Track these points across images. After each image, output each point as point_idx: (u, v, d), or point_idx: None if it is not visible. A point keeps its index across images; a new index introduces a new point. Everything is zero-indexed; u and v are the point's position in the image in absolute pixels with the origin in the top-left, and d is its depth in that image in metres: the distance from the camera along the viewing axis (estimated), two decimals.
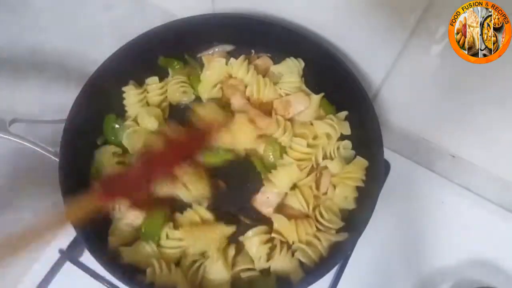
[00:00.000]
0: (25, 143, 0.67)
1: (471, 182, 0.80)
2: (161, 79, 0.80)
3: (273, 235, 0.68)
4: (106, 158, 0.72)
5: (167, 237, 0.67)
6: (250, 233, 0.68)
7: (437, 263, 0.75)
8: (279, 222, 0.68)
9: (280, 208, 0.71)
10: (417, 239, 0.77)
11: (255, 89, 0.76)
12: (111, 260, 0.64)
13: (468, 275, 0.74)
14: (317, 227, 0.69)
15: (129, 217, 0.68)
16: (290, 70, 0.78)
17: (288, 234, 0.68)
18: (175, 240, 0.67)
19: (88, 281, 0.67)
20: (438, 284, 0.74)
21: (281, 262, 0.66)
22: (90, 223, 0.65)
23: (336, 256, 0.66)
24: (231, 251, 0.67)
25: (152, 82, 0.79)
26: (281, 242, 0.68)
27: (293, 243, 0.68)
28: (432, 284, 0.74)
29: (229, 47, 0.82)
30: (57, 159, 0.67)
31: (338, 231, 0.69)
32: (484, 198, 0.80)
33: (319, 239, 0.67)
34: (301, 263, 0.67)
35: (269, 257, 0.67)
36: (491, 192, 0.79)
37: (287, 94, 0.77)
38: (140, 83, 0.79)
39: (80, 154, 0.71)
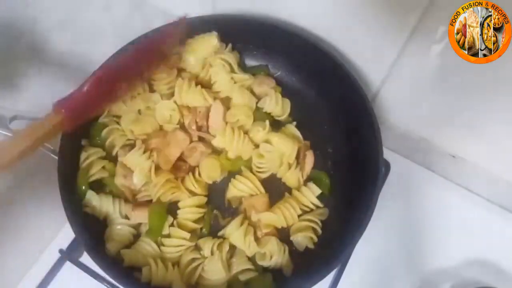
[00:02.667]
0: None
1: (471, 182, 0.80)
2: None
3: (264, 230, 0.68)
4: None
5: (170, 236, 0.68)
6: (229, 227, 0.68)
7: (437, 263, 0.75)
8: (267, 217, 0.69)
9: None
10: (417, 239, 0.77)
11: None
12: (111, 262, 0.64)
13: (468, 275, 0.74)
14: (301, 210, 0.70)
15: (135, 218, 0.68)
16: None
17: (279, 223, 0.69)
18: (178, 238, 0.67)
19: (88, 281, 0.67)
20: (438, 284, 0.74)
21: (270, 247, 0.67)
22: (88, 226, 0.66)
23: (336, 257, 0.65)
24: (226, 246, 0.67)
25: None
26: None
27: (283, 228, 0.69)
28: (432, 284, 0.74)
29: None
30: (56, 157, 0.67)
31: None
32: (484, 198, 0.80)
33: (310, 220, 0.69)
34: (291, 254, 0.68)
35: (257, 242, 0.67)
36: (491, 192, 0.79)
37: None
38: None
39: (79, 153, 0.71)
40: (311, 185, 0.71)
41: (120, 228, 0.68)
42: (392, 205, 0.75)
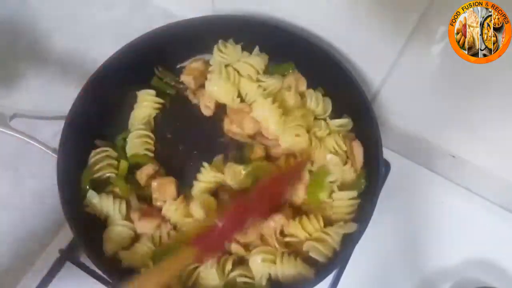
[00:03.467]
0: (25, 139, 0.68)
1: (471, 182, 0.80)
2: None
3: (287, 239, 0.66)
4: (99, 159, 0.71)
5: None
6: (255, 250, 0.66)
7: (437, 263, 0.75)
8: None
9: None
10: (417, 239, 0.77)
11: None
12: (109, 263, 0.64)
13: (468, 275, 0.74)
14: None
15: (140, 228, 0.68)
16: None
17: (297, 233, 0.66)
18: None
19: (88, 281, 0.67)
20: (438, 284, 0.74)
21: (282, 269, 0.64)
22: (87, 227, 0.66)
23: (336, 257, 0.65)
24: (229, 265, 0.65)
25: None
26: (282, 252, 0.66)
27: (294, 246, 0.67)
28: (432, 284, 0.74)
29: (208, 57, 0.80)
30: (55, 155, 0.67)
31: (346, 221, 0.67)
32: (484, 198, 0.80)
33: (328, 234, 0.65)
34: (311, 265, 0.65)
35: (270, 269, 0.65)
36: (491, 192, 0.79)
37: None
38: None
39: (79, 152, 0.71)
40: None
41: (120, 230, 0.68)
42: (392, 205, 0.74)
